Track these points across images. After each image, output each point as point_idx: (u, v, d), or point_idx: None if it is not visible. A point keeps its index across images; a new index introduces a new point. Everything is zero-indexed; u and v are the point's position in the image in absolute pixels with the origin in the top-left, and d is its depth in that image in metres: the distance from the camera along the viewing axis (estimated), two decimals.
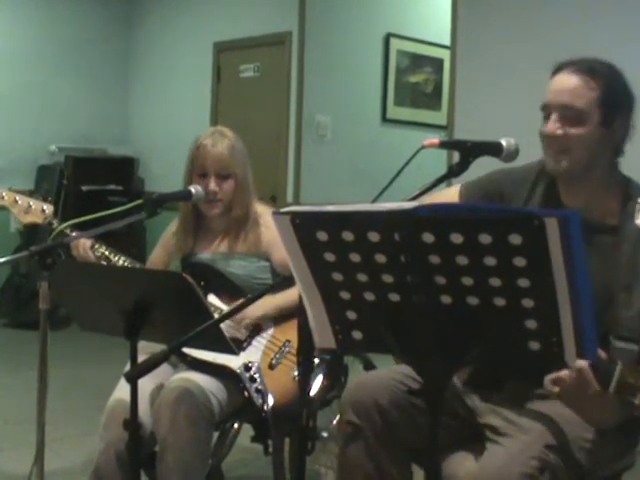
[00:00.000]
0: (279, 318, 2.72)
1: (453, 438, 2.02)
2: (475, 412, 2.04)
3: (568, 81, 1.96)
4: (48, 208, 2.83)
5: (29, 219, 2.83)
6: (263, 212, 2.83)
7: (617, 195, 2.01)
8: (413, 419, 1.95)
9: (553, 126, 1.96)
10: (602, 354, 1.62)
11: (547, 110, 1.99)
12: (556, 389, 1.70)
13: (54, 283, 2.31)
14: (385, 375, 2.06)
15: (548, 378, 1.71)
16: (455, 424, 2.04)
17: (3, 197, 2.83)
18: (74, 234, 2.68)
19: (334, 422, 3.27)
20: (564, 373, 1.67)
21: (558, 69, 2.01)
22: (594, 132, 1.94)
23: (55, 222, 2.79)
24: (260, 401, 2.53)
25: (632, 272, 1.85)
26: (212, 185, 2.76)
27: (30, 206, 2.82)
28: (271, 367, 2.62)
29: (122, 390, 2.50)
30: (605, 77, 1.96)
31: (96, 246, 2.74)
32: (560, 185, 2.05)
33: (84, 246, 2.73)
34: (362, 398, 2.02)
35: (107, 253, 2.74)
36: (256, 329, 2.70)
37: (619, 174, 2.05)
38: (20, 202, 2.83)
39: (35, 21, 7.28)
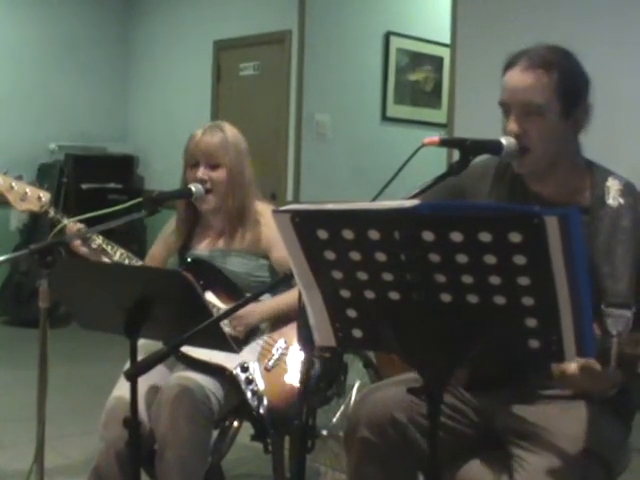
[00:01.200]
0: (277, 321, 2.71)
1: (468, 446, 2.01)
2: (490, 417, 2.02)
3: (523, 78, 1.93)
4: (45, 196, 2.75)
5: (25, 206, 2.74)
6: (264, 210, 2.81)
7: (584, 177, 2.01)
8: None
9: (513, 126, 1.93)
10: (596, 329, 1.62)
11: (506, 109, 1.97)
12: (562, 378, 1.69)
13: (54, 281, 2.31)
14: (396, 389, 2.00)
15: (556, 370, 1.71)
16: (469, 431, 2.03)
17: None
18: (72, 225, 2.66)
19: (334, 420, 3.28)
20: (572, 372, 1.67)
21: (511, 64, 1.98)
22: (556, 125, 1.94)
23: (52, 211, 2.73)
24: (255, 403, 2.53)
25: (611, 249, 1.87)
26: (200, 173, 2.73)
27: (26, 193, 2.73)
28: (267, 368, 2.62)
29: (122, 388, 2.50)
30: (560, 67, 1.93)
31: (93, 237, 2.71)
32: (526, 175, 2.05)
33: (76, 243, 2.71)
34: (377, 414, 1.98)
35: (104, 245, 2.71)
36: (253, 330, 2.70)
37: (582, 157, 2.05)
38: (16, 188, 2.73)
39: (34, 19, 7.28)
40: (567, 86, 1.93)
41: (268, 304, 2.69)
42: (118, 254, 2.72)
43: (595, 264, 1.83)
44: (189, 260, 2.81)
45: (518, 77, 1.94)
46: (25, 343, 4.69)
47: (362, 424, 1.99)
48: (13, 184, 2.75)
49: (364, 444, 1.98)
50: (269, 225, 2.73)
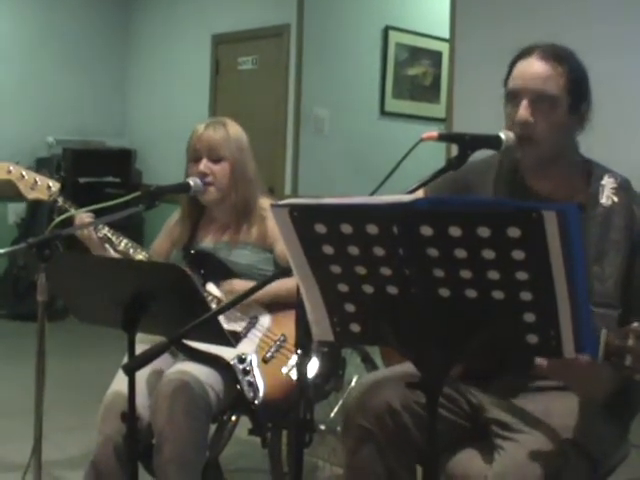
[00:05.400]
0: (275, 310, 2.71)
1: (461, 437, 2.02)
2: (480, 408, 2.03)
3: (538, 67, 1.95)
4: (54, 185, 2.79)
5: (34, 195, 2.78)
6: (269, 205, 2.80)
7: (581, 174, 2.02)
8: (424, 421, 1.93)
9: (525, 112, 1.94)
10: None
11: (516, 96, 1.97)
12: (544, 362, 1.68)
13: (52, 275, 2.31)
14: (393, 377, 2.02)
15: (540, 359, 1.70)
16: (463, 422, 2.04)
17: (10, 171, 2.79)
18: (78, 217, 2.68)
19: (332, 415, 3.29)
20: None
21: (523, 54, 1.99)
22: (564, 118, 1.95)
23: (60, 200, 2.76)
24: (251, 394, 2.53)
25: (602, 248, 1.88)
26: (202, 166, 2.74)
27: (36, 182, 2.78)
28: (265, 361, 2.62)
29: (120, 382, 2.50)
30: (570, 63, 1.97)
31: (99, 226, 2.73)
32: (525, 170, 2.05)
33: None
34: (373, 402, 1.99)
35: (109, 235, 2.73)
36: (252, 321, 2.70)
37: (580, 155, 2.06)
38: (26, 177, 2.78)
39: (33, 13, 7.26)
40: (576, 82, 1.96)
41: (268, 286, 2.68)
42: (123, 244, 2.73)
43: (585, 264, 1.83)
44: (192, 252, 2.82)
45: (534, 66, 1.96)
46: (23, 337, 4.68)
47: (359, 412, 2.00)
48: (24, 173, 2.80)
49: (361, 432, 1.99)
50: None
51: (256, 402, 2.53)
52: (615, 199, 1.93)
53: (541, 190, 2.03)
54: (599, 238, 1.89)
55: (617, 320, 1.76)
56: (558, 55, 1.96)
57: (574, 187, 2.00)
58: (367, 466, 1.99)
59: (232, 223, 2.82)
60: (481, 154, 2.00)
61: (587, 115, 2.00)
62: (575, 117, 1.97)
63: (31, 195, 2.79)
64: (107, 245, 2.73)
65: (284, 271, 1.87)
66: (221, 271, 2.76)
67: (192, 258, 2.79)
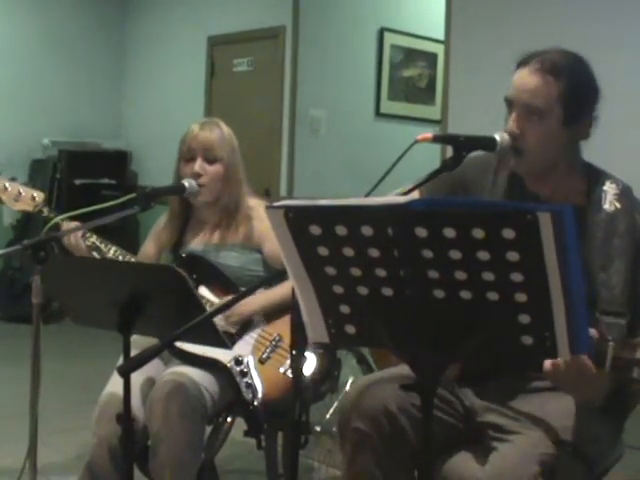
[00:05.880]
0: (270, 314, 2.71)
1: (456, 439, 2.02)
2: (474, 411, 2.03)
3: (530, 80, 1.94)
4: (38, 196, 2.78)
5: (19, 206, 2.78)
6: (256, 205, 2.82)
7: (581, 177, 2.02)
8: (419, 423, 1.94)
9: (513, 125, 1.96)
10: (594, 333, 1.61)
11: (510, 105, 1.99)
12: (551, 370, 1.68)
13: (47, 277, 2.30)
14: (389, 379, 2.02)
15: (547, 362, 1.70)
16: (458, 424, 2.04)
17: None
18: (65, 223, 2.67)
19: (327, 416, 3.28)
20: (560, 359, 1.67)
21: (523, 62, 1.99)
22: (555, 131, 1.95)
23: (46, 210, 2.76)
24: (250, 396, 2.53)
25: (606, 254, 1.88)
26: (197, 166, 2.74)
27: (20, 193, 2.77)
28: (261, 361, 2.62)
29: (115, 384, 2.50)
30: (568, 73, 1.94)
31: (87, 234, 2.72)
32: (523, 175, 2.06)
33: (75, 235, 2.71)
34: (369, 404, 1.98)
35: (98, 243, 2.73)
36: (247, 323, 2.70)
37: (581, 160, 2.06)
38: (10, 189, 2.77)
39: (30, 14, 7.26)
40: (573, 95, 1.94)
41: (261, 296, 2.70)
42: (111, 252, 2.72)
43: (590, 271, 1.83)
44: (183, 255, 2.81)
45: (525, 78, 1.96)
46: (18, 339, 4.67)
47: (355, 415, 2.00)
48: (7, 185, 2.79)
49: (358, 435, 1.99)
50: (261, 219, 2.73)
51: (255, 403, 2.53)
52: (618, 205, 1.93)
53: (539, 193, 2.03)
54: (603, 243, 1.89)
55: (625, 328, 1.76)
56: (555, 67, 1.93)
57: (573, 190, 2.00)
58: (366, 470, 1.99)
59: (221, 224, 2.82)
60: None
61: (587, 127, 1.99)
62: (571, 127, 1.96)
63: (16, 206, 2.79)
64: (95, 253, 2.72)
65: (279, 274, 1.86)
66: (212, 274, 2.76)
67: (182, 262, 2.78)
